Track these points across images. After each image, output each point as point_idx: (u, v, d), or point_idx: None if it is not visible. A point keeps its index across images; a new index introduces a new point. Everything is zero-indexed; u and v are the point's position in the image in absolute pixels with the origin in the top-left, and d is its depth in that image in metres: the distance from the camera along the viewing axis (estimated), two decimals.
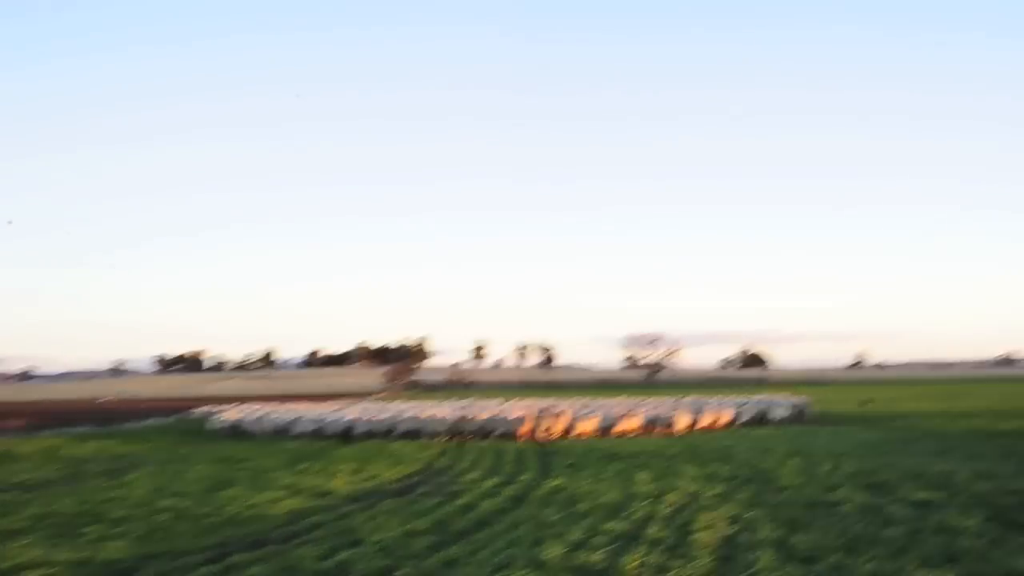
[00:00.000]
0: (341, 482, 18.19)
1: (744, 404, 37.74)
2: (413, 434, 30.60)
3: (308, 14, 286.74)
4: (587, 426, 30.87)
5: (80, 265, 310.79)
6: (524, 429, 29.66)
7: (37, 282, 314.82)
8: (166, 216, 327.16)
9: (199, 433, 36.03)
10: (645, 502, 14.35)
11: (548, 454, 24.03)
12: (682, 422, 32.39)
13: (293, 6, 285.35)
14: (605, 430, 31.11)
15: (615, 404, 40.24)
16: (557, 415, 31.36)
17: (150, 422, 45.66)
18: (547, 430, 30.08)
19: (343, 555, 10.59)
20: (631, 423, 31.54)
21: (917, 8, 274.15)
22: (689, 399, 45.55)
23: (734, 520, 12.49)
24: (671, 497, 14.84)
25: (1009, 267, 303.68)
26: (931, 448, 23.24)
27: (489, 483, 17.73)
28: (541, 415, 31.29)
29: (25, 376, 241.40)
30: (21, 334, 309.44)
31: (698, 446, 25.33)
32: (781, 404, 38.20)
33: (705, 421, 33.48)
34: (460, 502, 15.02)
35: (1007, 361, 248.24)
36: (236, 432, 34.19)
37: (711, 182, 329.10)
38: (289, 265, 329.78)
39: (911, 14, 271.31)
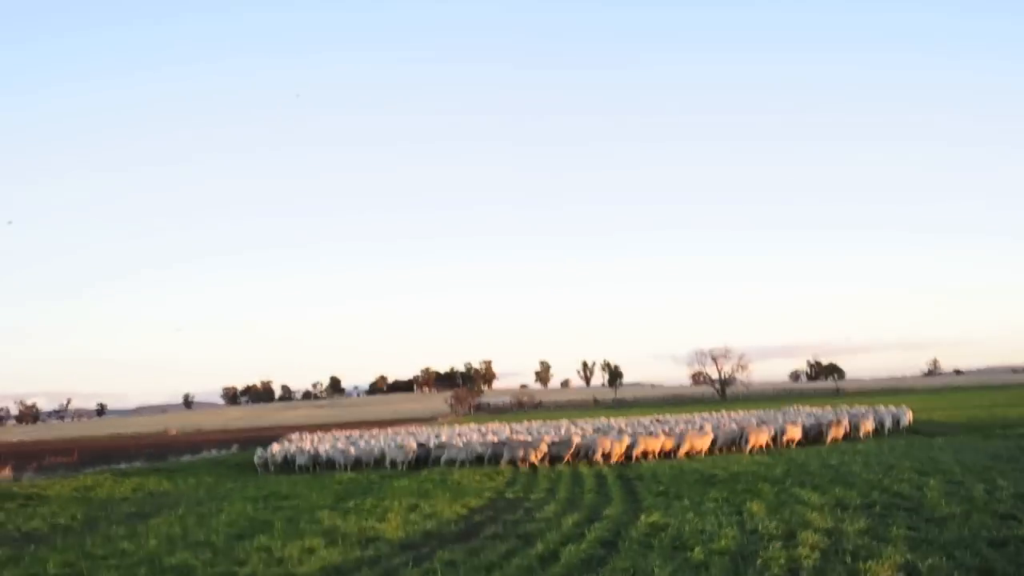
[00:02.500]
0: (393, 524, 15.21)
1: (853, 414, 33.82)
2: (479, 459, 27.72)
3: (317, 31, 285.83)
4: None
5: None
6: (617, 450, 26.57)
7: (112, 319, 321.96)
8: (226, 241, 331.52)
9: (251, 466, 33.51)
10: (775, 545, 10.98)
11: (632, 480, 20.79)
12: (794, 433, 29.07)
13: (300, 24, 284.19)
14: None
15: (704, 420, 36.63)
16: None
17: (204, 455, 43.46)
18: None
19: None
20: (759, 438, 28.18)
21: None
22: (772, 412, 41.73)
23: (910, 573, 9.12)
24: (807, 537, 11.39)
25: None
26: None
27: (570, 520, 14.57)
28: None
29: (100, 411, 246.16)
30: (95, 371, 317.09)
31: (804, 465, 21.72)
32: (887, 414, 34.05)
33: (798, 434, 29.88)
34: (536, 550, 11.89)
35: None
36: (287, 465, 31.56)
37: (767, 195, 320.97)
38: (352, 292, 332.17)
39: None
